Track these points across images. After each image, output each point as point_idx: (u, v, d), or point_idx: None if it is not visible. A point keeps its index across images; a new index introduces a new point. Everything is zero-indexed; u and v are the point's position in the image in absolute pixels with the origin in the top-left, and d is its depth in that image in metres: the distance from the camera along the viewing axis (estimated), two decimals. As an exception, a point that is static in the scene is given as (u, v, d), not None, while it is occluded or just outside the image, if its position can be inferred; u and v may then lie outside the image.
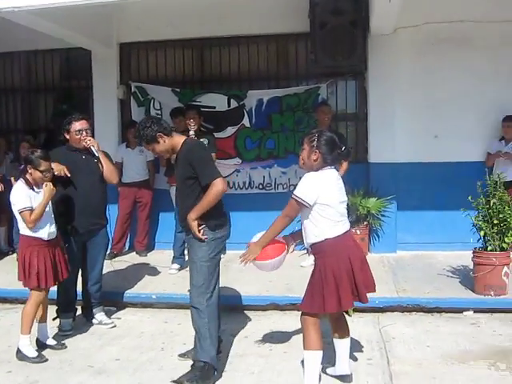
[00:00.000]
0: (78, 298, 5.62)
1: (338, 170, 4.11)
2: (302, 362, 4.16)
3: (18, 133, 9.32)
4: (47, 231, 4.81)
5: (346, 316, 4.24)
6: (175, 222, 7.11)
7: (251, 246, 4.10)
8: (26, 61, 9.15)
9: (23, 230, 4.78)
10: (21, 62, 9.16)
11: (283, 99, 8.14)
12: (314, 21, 7.29)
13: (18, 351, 4.76)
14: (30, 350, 4.76)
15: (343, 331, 4.16)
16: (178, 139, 4.45)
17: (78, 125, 5.32)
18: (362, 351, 4.78)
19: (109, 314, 5.76)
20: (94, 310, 5.64)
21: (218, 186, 4.22)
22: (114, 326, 5.59)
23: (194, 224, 4.24)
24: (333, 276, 3.80)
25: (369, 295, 3.97)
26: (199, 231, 4.26)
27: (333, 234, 3.86)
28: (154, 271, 7.15)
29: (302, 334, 4.01)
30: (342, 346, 4.16)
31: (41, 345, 4.98)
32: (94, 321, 5.64)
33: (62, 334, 5.33)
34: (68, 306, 5.47)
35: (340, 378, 4.20)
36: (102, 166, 5.40)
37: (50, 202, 4.86)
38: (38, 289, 4.79)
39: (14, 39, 8.29)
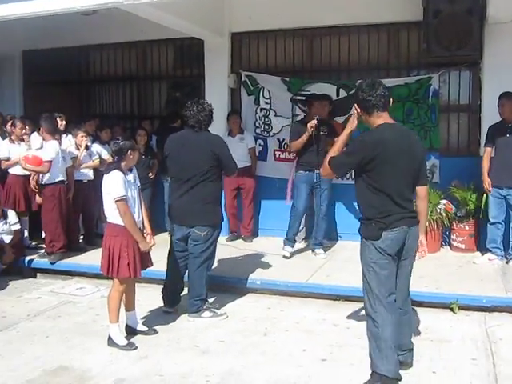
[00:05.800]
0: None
1: None
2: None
3: (133, 119, 9.77)
4: (136, 220, 4.79)
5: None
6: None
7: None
8: (142, 50, 9.56)
9: (114, 218, 4.72)
10: (137, 51, 9.58)
11: (393, 89, 7.94)
12: (428, 9, 7.11)
13: (109, 338, 4.82)
14: (120, 338, 4.82)
15: None
16: (377, 120, 4.15)
17: None
18: (466, 350, 4.68)
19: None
20: None
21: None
22: (227, 317, 5.59)
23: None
24: None
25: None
26: None
27: None
28: (258, 257, 7.26)
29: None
30: None
31: (131, 331, 5.06)
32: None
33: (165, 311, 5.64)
34: (173, 300, 5.69)
35: None
36: None
37: (139, 191, 4.92)
38: (125, 279, 4.81)
39: (131, 30, 8.71)
